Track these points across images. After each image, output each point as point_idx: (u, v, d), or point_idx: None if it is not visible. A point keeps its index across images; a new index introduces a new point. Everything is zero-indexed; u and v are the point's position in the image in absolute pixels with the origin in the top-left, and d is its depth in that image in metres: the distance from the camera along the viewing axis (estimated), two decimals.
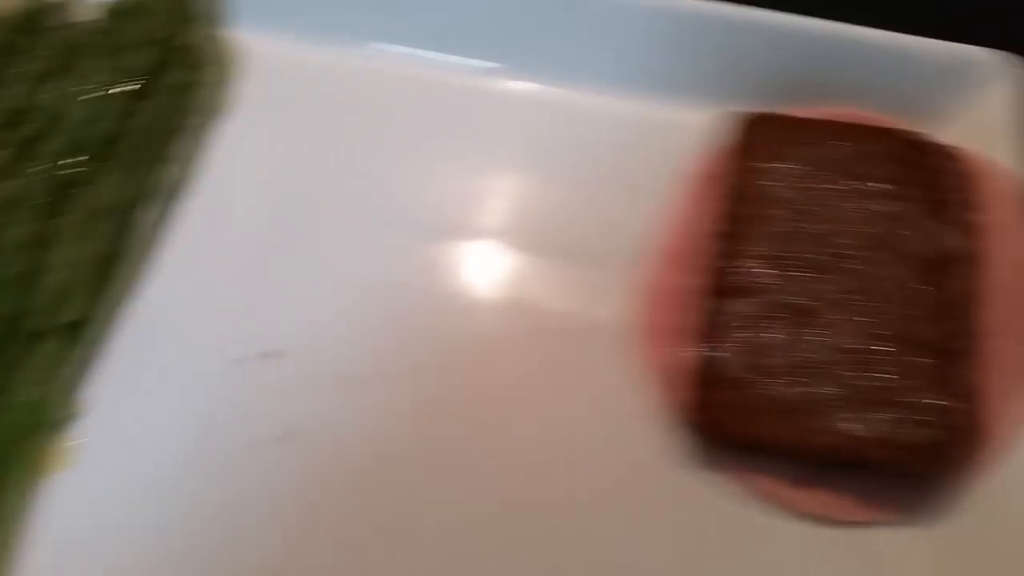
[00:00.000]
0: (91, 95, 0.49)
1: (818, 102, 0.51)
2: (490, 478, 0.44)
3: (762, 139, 0.48)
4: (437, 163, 0.52)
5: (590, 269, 0.49)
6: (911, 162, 0.47)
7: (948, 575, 0.42)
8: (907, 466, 0.41)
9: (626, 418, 0.45)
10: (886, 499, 0.43)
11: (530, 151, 0.52)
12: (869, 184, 0.46)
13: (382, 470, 0.44)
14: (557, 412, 0.46)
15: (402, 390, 0.46)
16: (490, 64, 0.54)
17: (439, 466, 0.44)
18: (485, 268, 0.49)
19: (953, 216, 0.46)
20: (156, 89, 0.50)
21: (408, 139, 0.52)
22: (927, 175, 0.46)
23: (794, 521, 0.43)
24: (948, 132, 0.50)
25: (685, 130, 0.51)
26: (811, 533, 0.43)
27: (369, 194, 0.51)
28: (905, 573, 0.42)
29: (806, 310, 0.44)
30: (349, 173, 0.51)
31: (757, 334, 0.43)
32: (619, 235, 0.49)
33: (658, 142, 0.52)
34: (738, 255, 0.45)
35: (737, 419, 0.42)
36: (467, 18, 0.53)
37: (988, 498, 0.43)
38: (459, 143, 0.53)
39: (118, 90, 0.49)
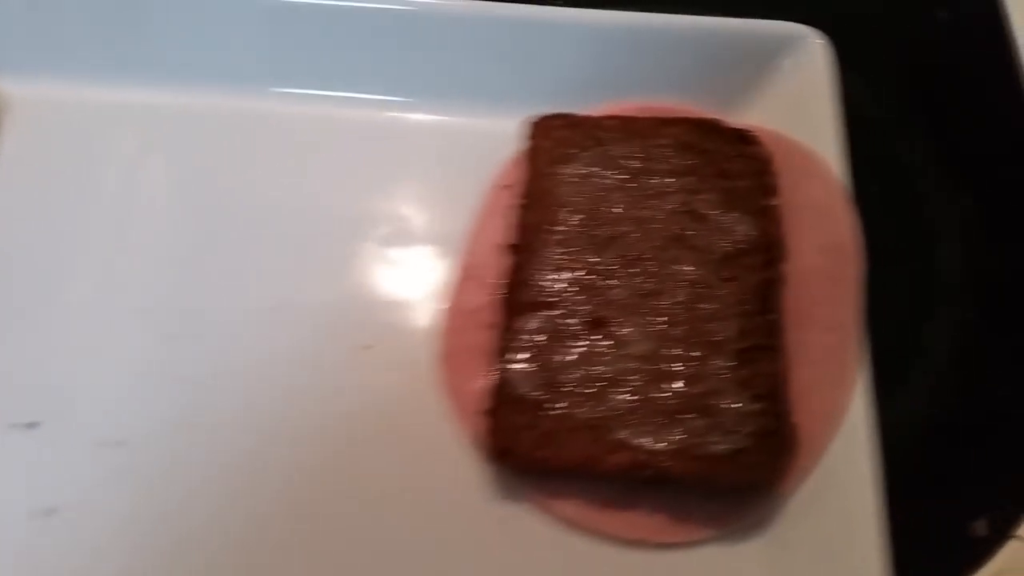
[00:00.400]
0: None
1: (632, 96, 0.49)
2: (288, 519, 0.41)
3: (549, 143, 0.45)
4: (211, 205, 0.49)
5: (411, 291, 0.46)
6: (702, 151, 0.44)
7: None
8: (712, 478, 0.38)
9: (435, 449, 0.42)
10: (703, 515, 0.40)
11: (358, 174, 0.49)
12: (659, 179, 0.44)
13: (163, 529, 0.41)
14: (363, 447, 0.43)
15: (198, 436, 0.43)
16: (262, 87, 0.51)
17: (226, 518, 0.41)
18: (295, 296, 0.46)
19: (748, 204, 0.43)
20: None
21: (184, 186, 0.49)
22: (720, 163, 0.44)
23: (609, 547, 0.40)
24: (756, 114, 0.48)
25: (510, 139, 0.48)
26: (627, 558, 0.40)
27: (124, 252, 0.47)
28: None
29: (600, 320, 0.41)
30: (107, 235, 0.48)
31: (549, 351, 0.41)
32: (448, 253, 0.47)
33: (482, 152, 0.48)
34: (529, 267, 0.42)
35: (528, 443, 0.39)
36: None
37: (807, 501, 0.40)
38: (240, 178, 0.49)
39: None
